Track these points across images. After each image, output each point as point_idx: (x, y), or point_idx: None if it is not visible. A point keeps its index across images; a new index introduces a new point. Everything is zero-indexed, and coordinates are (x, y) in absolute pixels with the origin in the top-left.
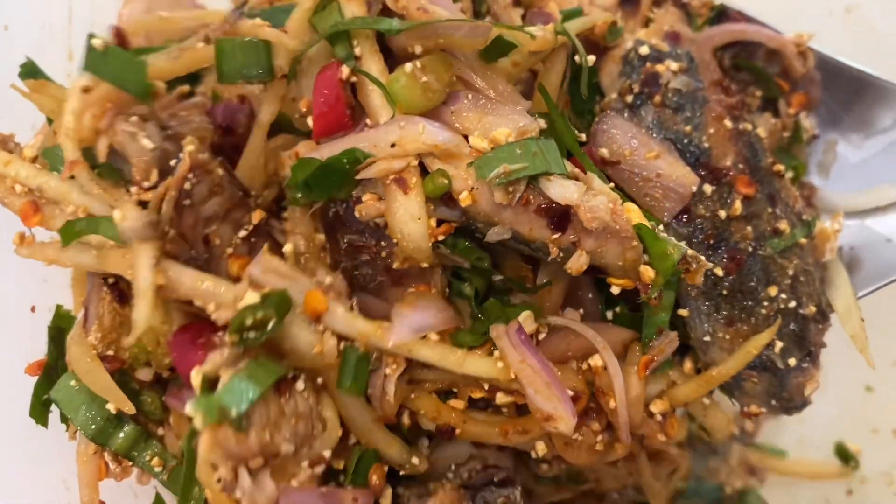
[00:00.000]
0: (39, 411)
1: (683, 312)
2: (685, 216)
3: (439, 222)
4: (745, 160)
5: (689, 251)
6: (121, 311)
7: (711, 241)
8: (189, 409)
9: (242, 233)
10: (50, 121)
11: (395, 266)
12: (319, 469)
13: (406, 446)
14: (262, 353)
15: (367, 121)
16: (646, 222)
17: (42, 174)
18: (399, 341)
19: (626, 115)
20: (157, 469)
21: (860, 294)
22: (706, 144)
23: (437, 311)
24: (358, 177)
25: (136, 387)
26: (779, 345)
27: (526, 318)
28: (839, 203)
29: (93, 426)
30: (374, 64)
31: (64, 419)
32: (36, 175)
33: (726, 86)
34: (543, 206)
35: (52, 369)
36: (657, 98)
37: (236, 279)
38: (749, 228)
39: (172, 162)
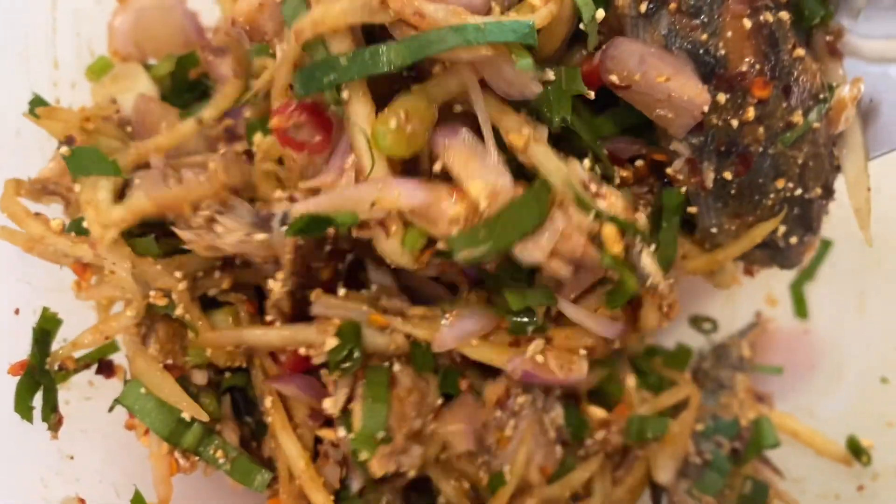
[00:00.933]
0: (25, 408)
1: (692, 209)
2: (697, 128)
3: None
4: (763, 56)
5: (652, 280)
6: (173, 324)
7: (723, 149)
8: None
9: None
10: (61, 144)
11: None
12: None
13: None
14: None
15: (351, 158)
16: (619, 245)
17: (76, 247)
18: (444, 348)
19: (640, 24)
20: (221, 461)
21: (872, 156)
22: (722, 52)
23: (477, 318)
24: None
25: (195, 390)
26: (781, 229)
27: (535, 350)
28: (864, 49)
29: (166, 428)
30: (361, 109)
31: (46, 417)
32: (71, 247)
33: None
34: None
35: (35, 370)
36: (672, 5)
37: (327, 282)
38: (761, 130)
39: (282, 228)
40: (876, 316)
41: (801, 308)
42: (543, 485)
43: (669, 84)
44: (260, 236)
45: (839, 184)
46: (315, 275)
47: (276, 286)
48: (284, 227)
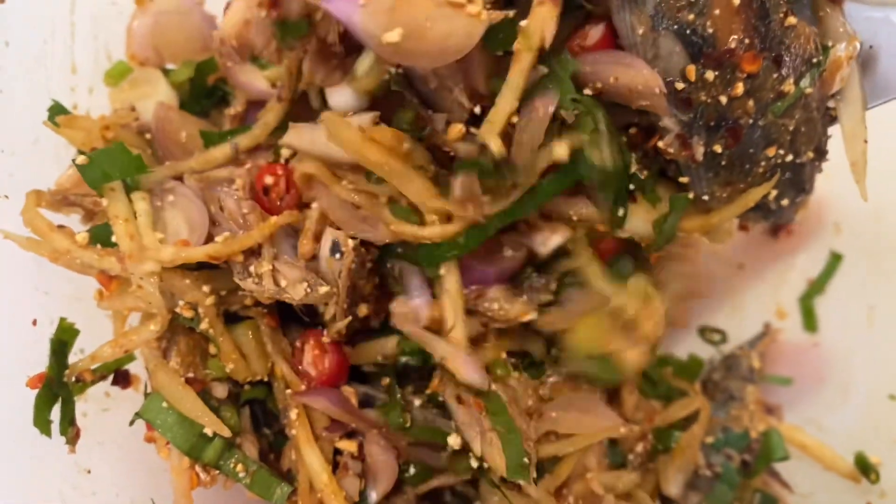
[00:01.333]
0: (43, 422)
1: (683, 179)
2: (686, 105)
3: None
4: (752, 29)
5: None
6: (194, 336)
7: (712, 123)
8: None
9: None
10: (81, 153)
11: None
12: None
13: None
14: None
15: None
16: None
17: (104, 260)
18: None
19: (626, 6)
20: (241, 475)
21: (869, 105)
22: (710, 31)
23: None
24: None
25: (215, 404)
26: (773, 193)
27: None
28: None
29: (187, 443)
30: (454, 283)
31: (64, 431)
32: (98, 260)
33: None
34: None
35: (53, 382)
36: None
37: (369, 295)
38: (751, 103)
39: (336, 256)
40: (885, 331)
41: (810, 321)
42: (600, 470)
43: (621, 82)
44: (323, 289)
45: (841, 188)
46: (361, 291)
47: (338, 323)
48: (337, 256)
